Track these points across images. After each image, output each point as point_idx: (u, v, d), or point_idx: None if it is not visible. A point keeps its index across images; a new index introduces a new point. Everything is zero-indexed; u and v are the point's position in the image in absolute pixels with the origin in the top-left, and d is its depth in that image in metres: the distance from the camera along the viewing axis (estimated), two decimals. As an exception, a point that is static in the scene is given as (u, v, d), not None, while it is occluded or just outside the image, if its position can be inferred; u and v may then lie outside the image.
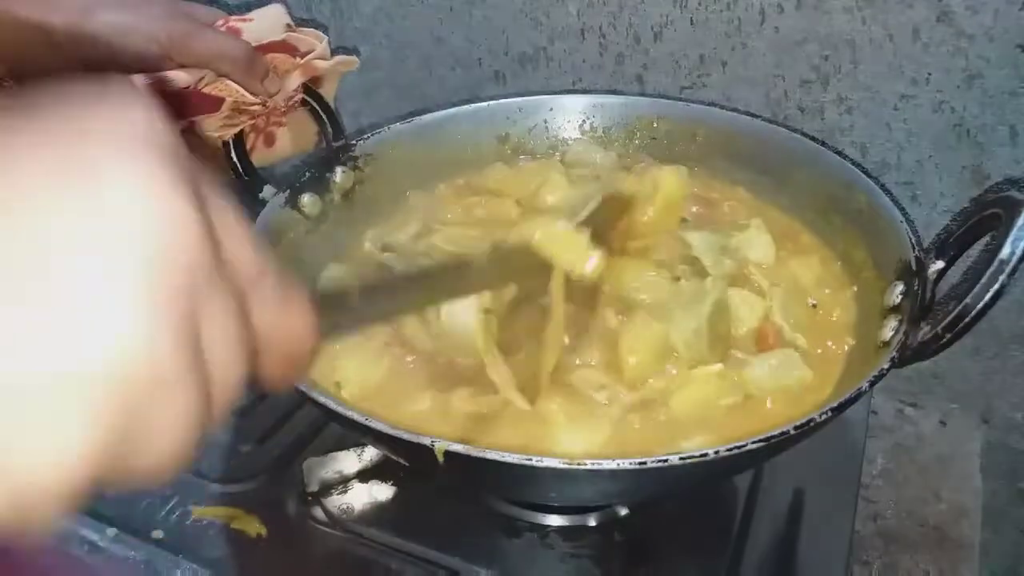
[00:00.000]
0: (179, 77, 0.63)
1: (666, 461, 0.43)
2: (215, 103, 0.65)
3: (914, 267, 0.55)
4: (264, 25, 0.67)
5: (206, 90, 0.65)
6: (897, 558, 0.67)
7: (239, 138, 0.69)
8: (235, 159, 0.68)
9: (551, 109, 0.79)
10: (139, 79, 0.63)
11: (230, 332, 0.25)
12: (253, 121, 0.70)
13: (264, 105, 0.67)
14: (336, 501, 0.65)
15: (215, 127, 0.67)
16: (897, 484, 0.73)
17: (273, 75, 0.67)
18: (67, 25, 0.61)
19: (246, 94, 0.64)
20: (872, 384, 0.48)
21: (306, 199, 0.69)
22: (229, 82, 0.64)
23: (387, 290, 0.47)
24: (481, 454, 0.44)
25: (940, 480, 0.74)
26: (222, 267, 0.25)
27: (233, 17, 0.66)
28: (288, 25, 0.69)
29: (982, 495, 0.73)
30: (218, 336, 0.24)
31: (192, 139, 0.69)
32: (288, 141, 0.76)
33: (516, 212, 0.72)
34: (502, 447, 0.45)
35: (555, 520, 0.63)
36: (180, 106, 0.65)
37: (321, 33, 0.70)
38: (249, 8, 0.68)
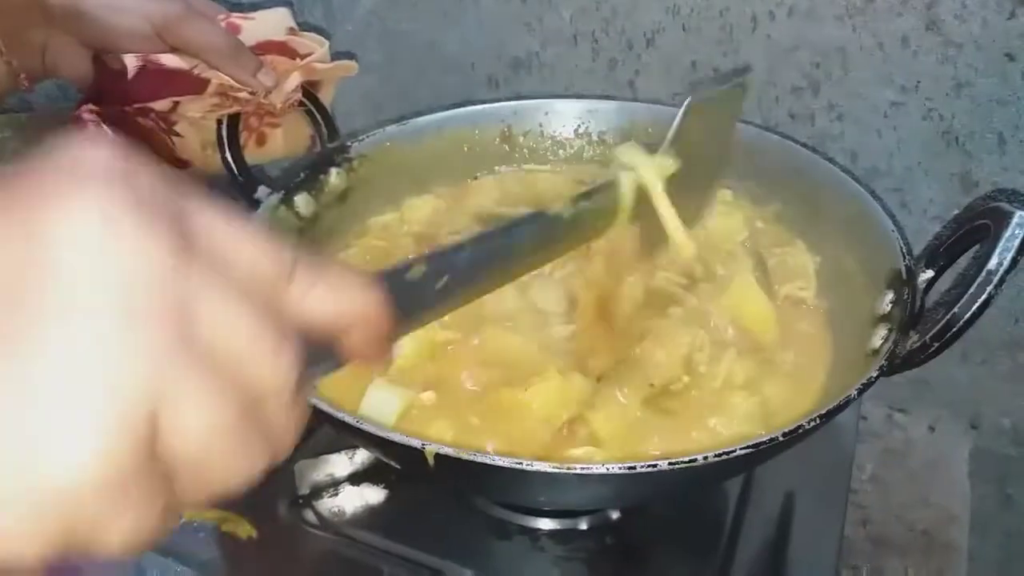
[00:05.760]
0: (172, 61, 0.64)
1: (656, 466, 0.44)
2: (201, 84, 0.65)
3: (904, 276, 0.55)
4: (266, 26, 0.67)
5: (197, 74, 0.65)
6: (886, 562, 0.68)
7: (235, 138, 0.69)
8: (230, 159, 0.68)
9: (546, 113, 0.80)
10: (131, 59, 0.63)
11: (212, 411, 0.23)
12: (241, 109, 0.69)
13: (253, 94, 0.66)
14: (327, 504, 0.65)
15: (200, 110, 0.67)
16: (886, 489, 0.74)
17: (269, 70, 0.67)
18: (63, 1, 0.62)
19: (233, 81, 0.64)
20: (861, 392, 0.48)
21: (300, 200, 0.69)
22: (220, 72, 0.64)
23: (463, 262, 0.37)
24: (471, 457, 0.45)
25: (929, 485, 0.74)
26: (211, 278, 0.23)
27: (235, 14, 0.66)
28: (290, 28, 0.69)
29: (970, 500, 0.73)
30: (193, 423, 0.23)
31: (181, 126, 0.69)
32: (280, 142, 0.76)
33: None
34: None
35: (546, 524, 0.63)
36: (164, 83, 0.65)
37: (322, 39, 0.70)
38: (254, 9, 0.68)
